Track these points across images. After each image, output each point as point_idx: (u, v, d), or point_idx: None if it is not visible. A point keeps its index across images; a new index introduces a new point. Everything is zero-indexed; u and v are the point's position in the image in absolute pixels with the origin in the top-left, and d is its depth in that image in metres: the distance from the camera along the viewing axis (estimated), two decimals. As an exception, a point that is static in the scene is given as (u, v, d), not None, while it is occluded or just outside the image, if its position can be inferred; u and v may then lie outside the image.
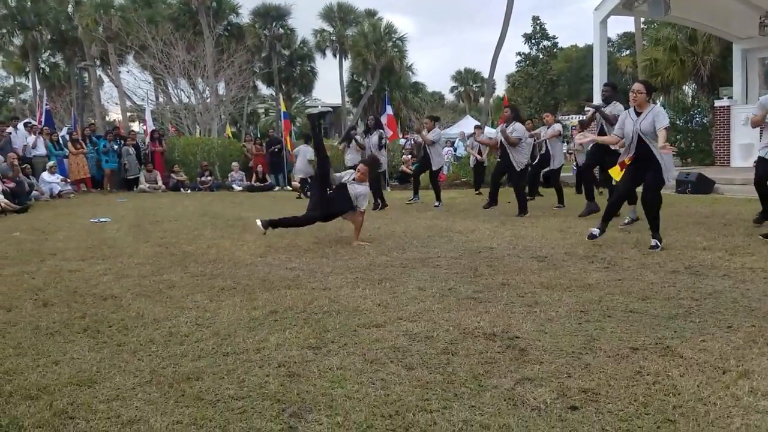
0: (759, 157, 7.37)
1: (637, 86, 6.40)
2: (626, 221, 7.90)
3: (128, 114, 33.71)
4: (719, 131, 16.78)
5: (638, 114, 6.30)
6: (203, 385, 3.01)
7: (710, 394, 2.76)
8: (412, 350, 3.43)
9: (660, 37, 26.77)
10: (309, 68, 47.38)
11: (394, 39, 46.01)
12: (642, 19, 26.78)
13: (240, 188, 17.32)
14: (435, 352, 3.40)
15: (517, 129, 9.56)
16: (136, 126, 30.58)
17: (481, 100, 47.40)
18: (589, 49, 31.03)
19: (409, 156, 18.57)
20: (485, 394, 2.83)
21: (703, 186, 12.35)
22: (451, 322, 3.93)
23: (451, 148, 23.52)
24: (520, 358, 3.29)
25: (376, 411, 2.68)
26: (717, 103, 17.13)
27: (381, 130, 11.50)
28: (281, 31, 43.85)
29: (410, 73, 48.82)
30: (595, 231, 6.61)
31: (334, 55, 47.09)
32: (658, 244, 6.22)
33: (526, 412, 2.65)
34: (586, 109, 11.31)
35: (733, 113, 16.41)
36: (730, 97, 17.02)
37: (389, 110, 17.31)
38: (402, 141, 17.28)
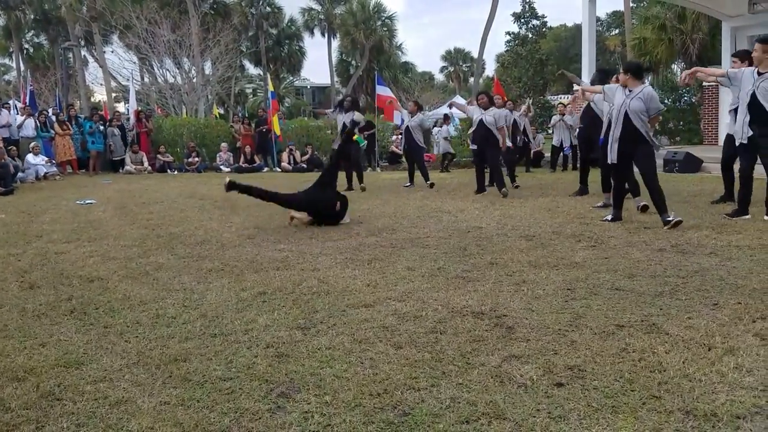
0: (728, 135, 7.38)
1: (622, 77, 6.52)
2: (599, 204, 7.87)
3: (113, 94, 33.30)
4: (707, 110, 16.83)
5: (630, 91, 6.34)
6: (190, 366, 3.00)
7: (695, 370, 2.78)
8: (401, 329, 3.44)
9: (649, 16, 26.69)
10: (297, 47, 46.96)
11: (383, 18, 45.66)
12: (631, -2, 26.68)
13: (228, 169, 17.21)
14: (423, 331, 3.42)
15: (496, 114, 9.72)
16: (121, 107, 30.22)
17: (471, 80, 47.29)
18: (578, 28, 30.93)
19: (399, 136, 18.48)
20: (473, 372, 2.85)
21: (691, 165, 12.41)
22: (439, 301, 3.94)
23: (441, 129, 23.44)
24: (507, 335, 3.30)
25: (364, 390, 2.69)
26: (705, 83, 17.15)
27: (356, 112, 11.42)
28: (268, 9, 43.35)
29: (400, 52, 48.54)
30: (608, 216, 6.77)
31: (323, 34, 46.70)
32: (670, 219, 6.15)
33: (512, 388, 2.67)
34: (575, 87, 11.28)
35: (722, 92, 16.44)
36: (719, 76, 17.03)
37: (380, 90, 17.10)
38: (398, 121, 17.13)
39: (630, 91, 6.34)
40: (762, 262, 4.71)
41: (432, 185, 11.06)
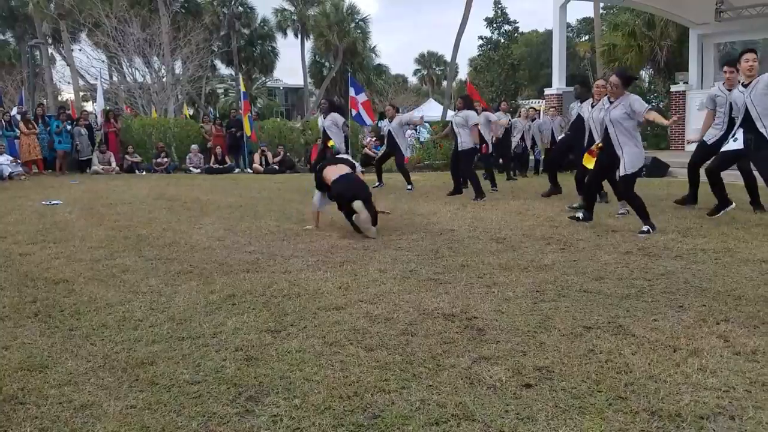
0: (702, 141, 7.55)
1: (613, 80, 6.40)
2: (575, 205, 7.97)
3: (81, 93, 32.72)
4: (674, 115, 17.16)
5: (611, 102, 6.39)
6: (158, 370, 2.96)
7: (661, 371, 2.83)
8: (372, 332, 3.44)
9: (618, 23, 27.13)
10: (270, 48, 46.71)
11: (357, 20, 45.67)
12: (601, 4, 27.08)
13: (198, 171, 17.02)
14: (394, 333, 3.42)
15: (470, 116, 9.77)
16: (89, 106, 29.71)
17: (444, 83, 47.52)
18: (549, 34, 31.31)
19: (373, 138, 18.49)
20: (443, 374, 2.86)
21: (658, 169, 12.65)
22: (411, 304, 3.95)
23: (414, 132, 23.52)
24: (477, 337, 3.32)
25: (334, 392, 2.68)
26: (673, 88, 17.52)
27: (336, 113, 11.46)
28: (240, 9, 43.05)
29: (373, 55, 48.61)
30: (579, 214, 6.87)
31: (296, 35, 46.53)
32: (650, 229, 6.12)
33: (482, 390, 2.68)
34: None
35: (689, 98, 16.81)
36: (686, 82, 17.41)
37: (353, 92, 17.08)
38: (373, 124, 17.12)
39: (610, 102, 6.36)
40: (726, 265, 4.82)
41: (410, 189, 11.13)
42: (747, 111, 6.49)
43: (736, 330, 3.33)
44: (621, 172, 6.31)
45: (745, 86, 6.54)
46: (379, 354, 3.12)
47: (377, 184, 11.79)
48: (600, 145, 6.55)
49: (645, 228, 6.12)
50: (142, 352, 3.19)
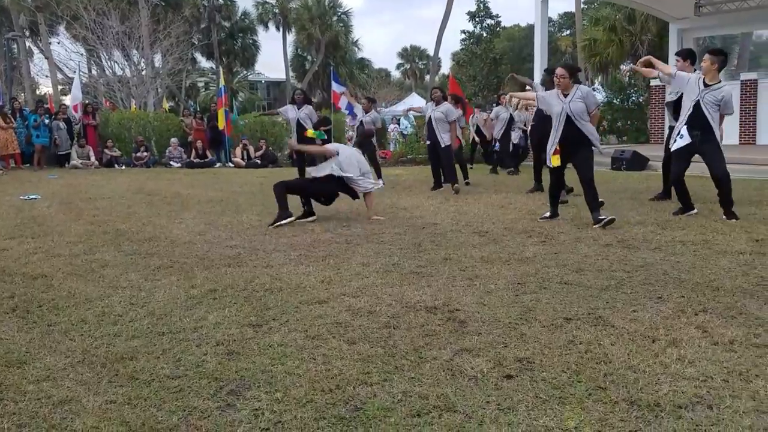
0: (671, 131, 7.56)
1: (559, 71, 6.48)
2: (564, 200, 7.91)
3: (59, 87, 32.24)
4: (654, 110, 17.34)
5: (565, 95, 6.40)
6: (138, 365, 2.93)
7: (640, 362, 2.86)
8: (354, 325, 3.44)
9: (599, 17, 27.35)
10: (251, 41, 46.41)
11: (340, 13, 45.53)
12: (582, -1, 27.27)
13: (178, 165, 16.87)
14: (377, 326, 3.42)
15: (449, 111, 9.79)
16: (67, 99, 29.31)
17: (427, 77, 47.54)
18: (530, 28, 31.43)
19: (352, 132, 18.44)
20: (425, 366, 2.86)
21: (638, 163, 12.76)
22: (393, 297, 3.95)
23: (397, 125, 23.51)
24: (459, 329, 3.34)
25: (316, 386, 2.67)
26: (652, 83, 17.66)
27: (309, 106, 11.35)
28: (221, 1, 42.68)
29: (356, 48, 48.53)
30: (546, 213, 6.81)
31: (278, 29, 46.26)
32: (602, 218, 6.20)
33: (463, 381, 2.69)
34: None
35: (668, 92, 16.95)
36: (665, 77, 17.54)
37: (336, 87, 17.01)
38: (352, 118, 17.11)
39: (566, 95, 6.39)
40: (704, 257, 4.88)
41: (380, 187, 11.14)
42: (697, 108, 6.47)
43: (714, 320, 3.38)
44: (591, 149, 6.42)
45: (707, 85, 6.48)
46: (362, 347, 3.12)
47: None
48: (559, 141, 6.48)
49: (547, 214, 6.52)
50: (121, 347, 3.16)
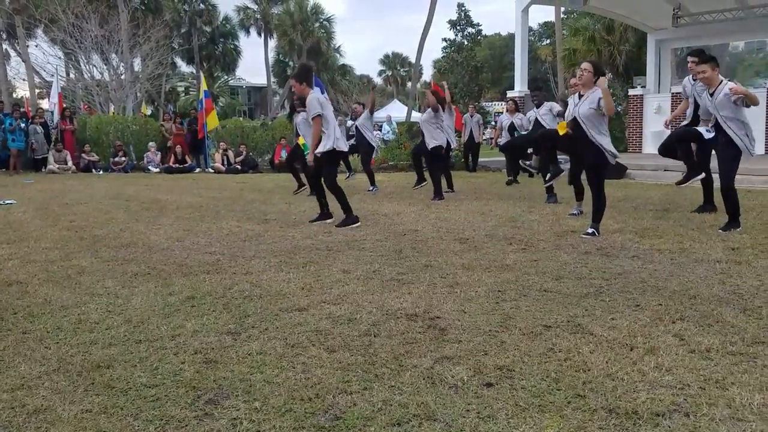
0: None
1: (584, 65, 6.32)
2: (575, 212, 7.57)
3: (37, 91, 31.74)
4: (632, 119, 17.56)
5: (580, 97, 6.30)
6: (114, 373, 2.89)
7: (618, 369, 2.88)
8: (335, 333, 3.42)
9: (579, 27, 27.65)
10: (232, 46, 46.25)
11: (322, 20, 45.52)
12: (562, 9, 27.55)
13: (157, 170, 16.71)
14: (357, 334, 3.40)
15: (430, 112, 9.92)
16: (45, 103, 28.91)
17: (409, 84, 47.66)
18: (511, 37, 31.69)
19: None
20: (405, 374, 2.85)
21: (616, 171, 12.87)
22: (374, 304, 3.94)
23: (379, 131, 23.53)
24: (439, 337, 3.33)
25: (295, 394, 2.65)
26: (631, 92, 17.90)
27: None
28: (202, 6, 42.48)
29: (338, 55, 48.52)
30: (575, 210, 7.02)
31: (259, 34, 46.17)
32: (596, 232, 6.12)
33: (443, 389, 2.69)
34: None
35: (646, 102, 17.20)
36: (644, 86, 17.81)
37: (318, 92, 16.98)
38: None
39: (580, 97, 6.30)
40: (682, 265, 4.93)
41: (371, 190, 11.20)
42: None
43: (691, 328, 3.41)
44: (605, 158, 6.24)
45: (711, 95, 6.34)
46: (342, 355, 3.10)
47: (349, 175, 12.01)
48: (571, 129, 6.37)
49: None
50: (98, 355, 3.11)
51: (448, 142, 10.25)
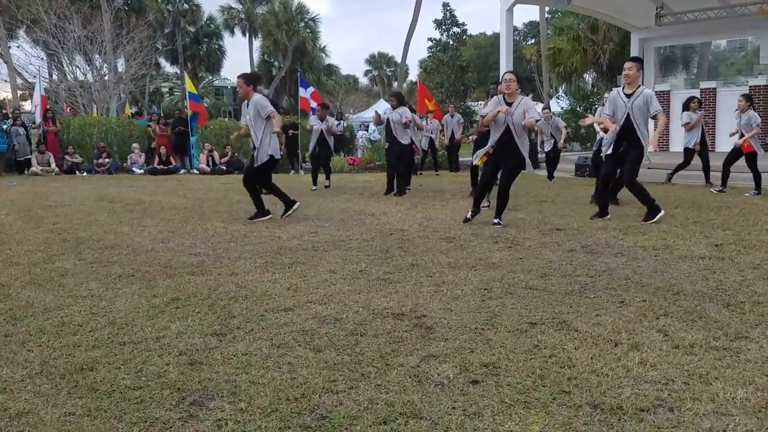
0: (605, 155, 7.51)
1: (508, 75, 6.71)
2: (485, 205, 7.84)
3: (19, 92, 31.43)
4: (616, 118, 17.65)
5: (509, 104, 6.55)
6: (98, 376, 2.86)
7: (603, 365, 2.90)
8: (321, 333, 3.41)
9: (563, 27, 27.77)
10: (216, 46, 45.99)
11: (307, 19, 45.38)
12: (546, 9, 27.71)
13: (141, 171, 16.59)
14: (343, 333, 3.40)
15: (404, 112, 10.14)
16: (27, 105, 28.62)
17: (395, 84, 47.72)
18: (496, 37, 31.82)
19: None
20: (391, 373, 2.85)
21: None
22: (360, 304, 3.93)
23: (366, 132, 23.54)
24: (426, 336, 3.34)
25: (281, 395, 2.64)
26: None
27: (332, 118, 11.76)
28: (186, 6, 42.21)
29: (324, 55, 48.38)
30: (468, 215, 7.06)
31: (244, 34, 45.95)
32: (500, 222, 6.75)
33: (430, 388, 2.69)
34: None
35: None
36: (626, 85, 17.92)
37: (303, 92, 16.95)
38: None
39: (509, 104, 6.55)
40: (665, 261, 4.98)
41: (327, 187, 11.50)
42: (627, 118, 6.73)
43: (675, 324, 3.44)
44: (523, 165, 6.77)
45: (628, 96, 6.75)
46: (328, 355, 3.09)
47: (314, 187, 11.65)
48: (494, 146, 6.76)
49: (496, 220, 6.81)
50: (81, 358, 3.08)
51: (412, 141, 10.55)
